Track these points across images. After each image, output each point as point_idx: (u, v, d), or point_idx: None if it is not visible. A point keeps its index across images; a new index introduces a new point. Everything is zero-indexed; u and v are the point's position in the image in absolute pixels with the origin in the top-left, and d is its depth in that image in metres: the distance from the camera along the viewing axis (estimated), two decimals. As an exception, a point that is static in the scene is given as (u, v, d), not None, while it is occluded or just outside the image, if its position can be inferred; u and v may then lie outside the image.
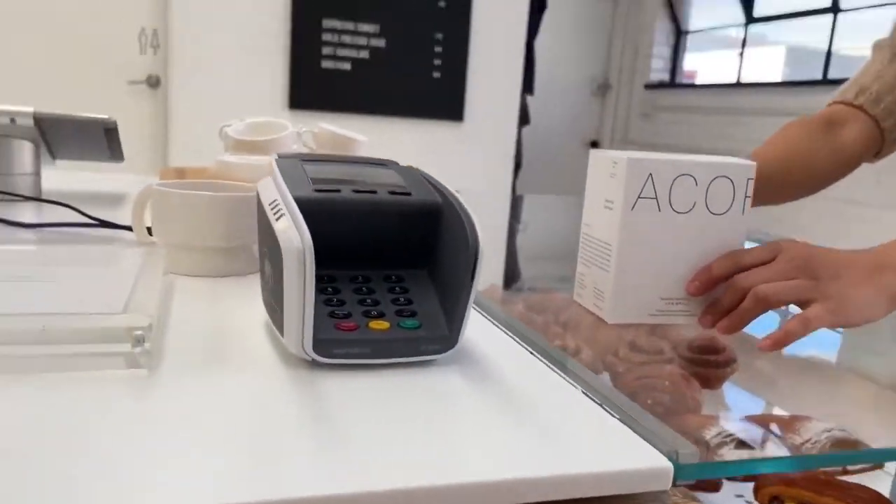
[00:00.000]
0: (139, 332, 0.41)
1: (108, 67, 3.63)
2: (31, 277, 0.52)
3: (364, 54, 3.88)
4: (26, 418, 0.35)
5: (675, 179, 0.58)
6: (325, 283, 0.48)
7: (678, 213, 0.59)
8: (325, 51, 3.82)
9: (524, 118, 4.41)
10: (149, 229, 0.69)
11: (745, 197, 0.60)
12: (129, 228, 0.73)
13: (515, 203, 4.73)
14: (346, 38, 3.84)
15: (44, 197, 0.93)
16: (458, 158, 4.19)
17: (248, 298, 0.58)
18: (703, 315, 0.60)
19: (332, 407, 0.39)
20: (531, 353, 0.51)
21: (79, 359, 0.41)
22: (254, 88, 3.73)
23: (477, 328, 0.55)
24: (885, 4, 3.85)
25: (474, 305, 0.58)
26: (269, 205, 0.45)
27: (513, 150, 4.30)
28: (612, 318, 0.61)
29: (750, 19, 4.76)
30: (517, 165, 4.39)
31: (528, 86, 4.41)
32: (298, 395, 0.40)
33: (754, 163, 0.60)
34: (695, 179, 0.58)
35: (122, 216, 0.87)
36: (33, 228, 0.76)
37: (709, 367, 0.66)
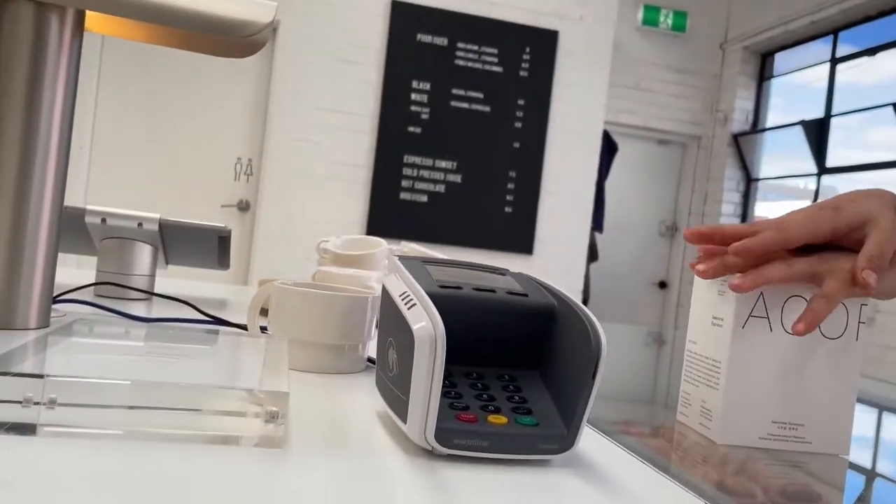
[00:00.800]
0: (274, 409, 0.43)
1: (204, 192, 3.90)
2: (165, 354, 0.55)
3: (440, 188, 4.06)
4: (163, 485, 0.37)
5: (787, 300, 0.58)
6: (444, 377, 0.49)
7: (788, 333, 0.58)
8: (405, 183, 4.01)
9: (593, 254, 4.45)
10: (262, 329, 0.73)
11: (860, 323, 0.59)
12: (243, 327, 0.77)
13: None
14: (425, 173, 4.04)
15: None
16: (526, 291, 4.21)
17: (359, 393, 0.59)
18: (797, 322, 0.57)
19: (453, 498, 0.39)
20: (641, 461, 0.50)
21: (217, 434, 0.43)
22: (334, 215, 3.92)
23: (585, 435, 0.55)
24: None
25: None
26: (400, 296, 0.47)
27: (581, 284, 4.32)
28: (722, 439, 0.59)
29: (822, 170, 4.79)
30: (585, 300, 4.39)
31: (597, 224, 4.49)
32: (419, 483, 0.41)
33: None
34: (807, 301, 0.58)
35: (227, 317, 0.91)
36: (151, 323, 0.80)
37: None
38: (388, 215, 3.99)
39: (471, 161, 4.09)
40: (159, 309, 0.93)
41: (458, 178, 4.08)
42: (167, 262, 1.11)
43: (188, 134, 3.84)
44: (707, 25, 5.34)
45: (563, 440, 0.46)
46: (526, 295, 0.52)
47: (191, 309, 0.88)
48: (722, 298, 0.60)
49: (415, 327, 0.43)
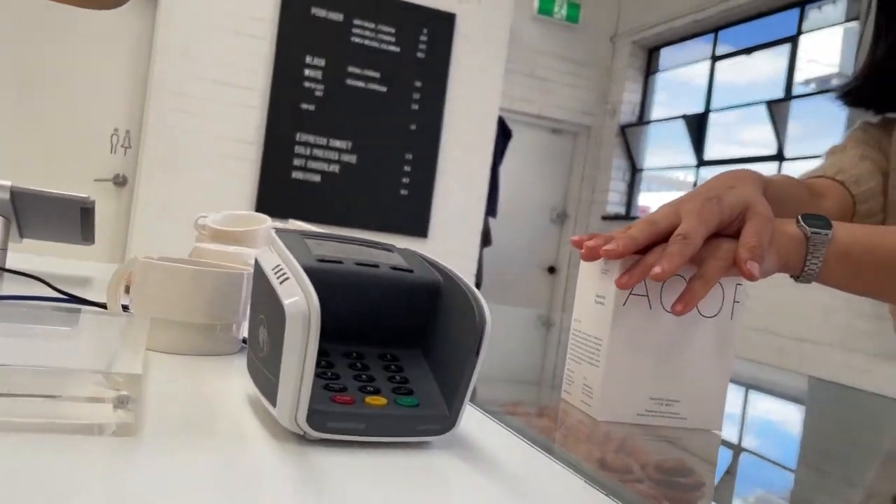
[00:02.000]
0: (124, 393, 0.38)
1: (77, 164, 3.63)
2: (8, 335, 0.49)
3: (335, 168, 3.98)
4: (-4, 474, 0.32)
5: None
6: (319, 356, 0.46)
7: (668, 311, 0.59)
8: (297, 162, 3.90)
9: (486, 239, 4.51)
10: (124, 307, 0.67)
11: (734, 302, 0.61)
12: (103, 306, 0.70)
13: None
14: (318, 152, 3.94)
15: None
16: (420, 274, 4.22)
17: (231, 376, 0.55)
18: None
19: (324, 484, 0.37)
20: (524, 441, 0.49)
21: (55, 419, 0.38)
22: (221, 193, 3.76)
23: (469, 415, 0.53)
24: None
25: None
26: (273, 269, 0.44)
27: (474, 268, 4.36)
28: (602, 415, 0.59)
29: (701, 162, 5.06)
30: (477, 284, 4.44)
31: (491, 209, 4.54)
32: (288, 470, 0.38)
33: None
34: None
35: (90, 296, 0.84)
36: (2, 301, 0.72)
37: (677, 490, 0.63)
38: (279, 195, 3.87)
39: (366, 142, 4.03)
40: (13, 286, 0.84)
41: (352, 159, 4.01)
42: (21, 236, 1.01)
43: (60, 101, 3.56)
44: (599, 18, 5.50)
45: (444, 421, 0.44)
46: (411, 271, 0.49)
47: (46, 287, 0.80)
48: (605, 277, 0.60)
49: (286, 302, 0.40)
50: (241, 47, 3.75)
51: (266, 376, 0.44)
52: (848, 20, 4.10)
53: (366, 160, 4.03)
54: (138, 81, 3.68)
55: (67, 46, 3.56)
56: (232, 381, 0.54)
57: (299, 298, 0.40)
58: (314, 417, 0.41)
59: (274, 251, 0.47)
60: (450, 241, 4.27)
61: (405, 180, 4.13)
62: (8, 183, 0.88)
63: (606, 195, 5.49)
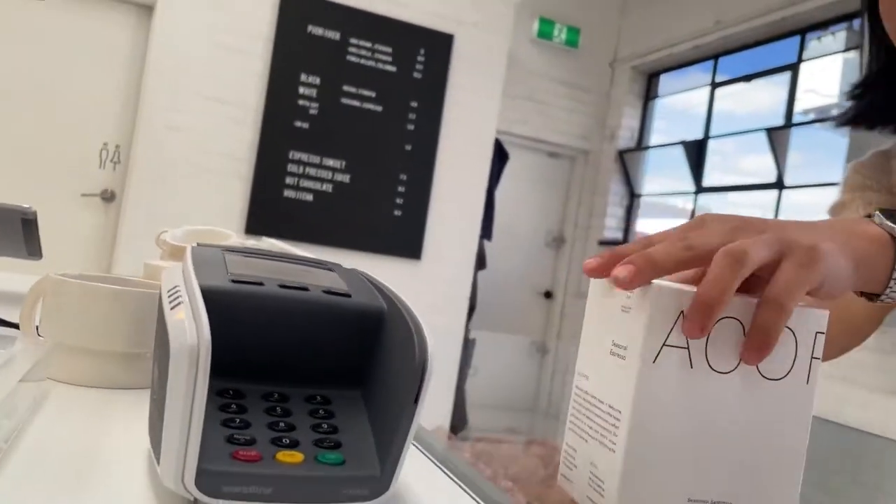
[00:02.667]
0: (-41, 445, 0.30)
1: (64, 178, 3.56)
2: None
3: (328, 187, 3.91)
4: None
5: (715, 323, 0.40)
6: (230, 399, 0.38)
7: (716, 372, 0.40)
8: (289, 181, 3.84)
9: (481, 262, 4.43)
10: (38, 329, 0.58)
11: (812, 358, 0.42)
12: (17, 326, 0.62)
13: (467, 345, 4.64)
14: (311, 171, 3.88)
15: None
16: (413, 297, 4.13)
17: (137, 417, 0.47)
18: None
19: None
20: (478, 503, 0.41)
21: None
22: (210, 211, 3.68)
23: (415, 468, 0.45)
24: (824, 185, 4.09)
25: (415, 443, 0.48)
26: (168, 292, 0.36)
27: (468, 291, 4.28)
28: None
29: (699, 188, 5.00)
30: (472, 307, 4.35)
31: (486, 231, 4.47)
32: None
33: (826, 312, 0.42)
34: (742, 326, 0.40)
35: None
36: None
37: None
38: (270, 213, 3.79)
39: (360, 161, 3.97)
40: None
41: (346, 178, 3.94)
42: (-41, 248, 0.93)
43: (49, 116, 3.49)
44: (598, 43, 5.47)
45: (374, 483, 0.35)
46: (349, 295, 0.41)
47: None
48: (626, 318, 0.41)
49: (171, 332, 0.32)
50: (235, 64, 3.70)
51: (156, 424, 0.36)
52: (847, 49, 4.07)
53: (359, 180, 3.96)
54: (130, 96, 3.62)
55: (58, 58, 3.51)
56: (139, 423, 0.46)
57: (187, 327, 0.32)
58: (206, 479, 0.32)
59: (180, 270, 0.39)
60: (444, 264, 4.19)
61: (399, 201, 4.06)
62: (-62, 190, 0.80)
63: (604, 220, 5.42)
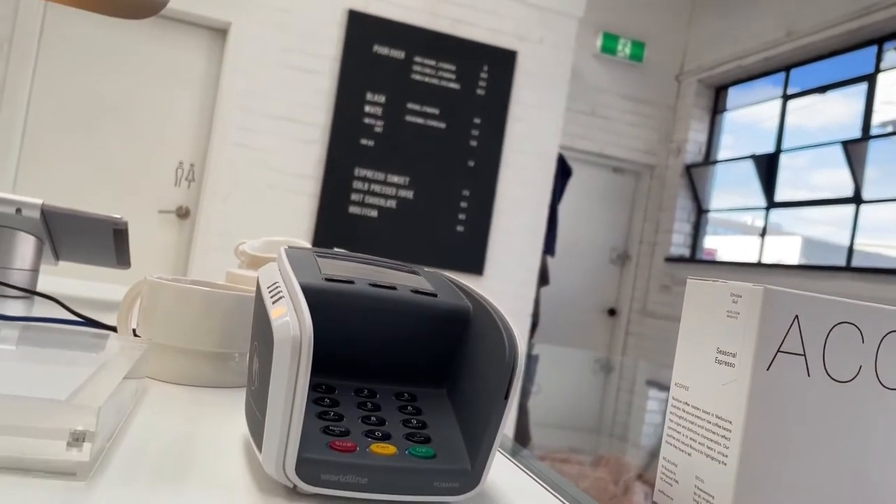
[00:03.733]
0: (79, 429, 0.32)
1: (142, 196, 3.72)
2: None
3: (392, 203, 3.97)
4: None
5: (833, 327, 0.39)
6: (322, 393, 0.39)
7: (836, 381, 0.39)
8: (355, 197, 3.91)
9: (544, 278, 4.40)
10: (134, 331, 0.61)
11: None
12: (114, 329, 0.65)
13: (530, 362, 4.60)
14: (376, 187, 3.94)
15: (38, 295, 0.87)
16: (475, 312, 4.15)
17: (234, 412, 0.49)
18: None
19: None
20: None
21: (4, 455, 0.32)
22: (280, 226, 3.78)
23: (497, 467, 0.45)
24: (907, 198, 3.91)
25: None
26: (268, 288, 0.37)
27: (531, 308, 4.25)
28: None
29: (771, 204, 4.85)
30: (534, 324, 4.32)
31: (549, 247, 4.44)
32: (269, 530, 0.31)
33: None
34: (861, 333, 0.39)
35: (115, 320, 0.80)
36: (9, 321, 0.68)
37: None
38: (336, 229, 3.87)
39: (424, 177, 4.01)
40: (41, 310, 0.81)
41: (410, 195, 3.99)
42: (57, 258, 0.98)
43: (128, 135, 3.67)
44: (664, 57, 5.40)
45: (465, 477, 0.36)
46: (435, 295, 0.42)
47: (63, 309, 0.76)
48: (734, 323, 0.39)
49: (275, 325, 0.33)
50: (303, 83, 3.81)
51: (255, 415, 0.37)
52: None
53: (423, 196, 4.01)
54: (204, 116, 3.76)
55: (137, 81, 3.68)
56: (234, 418, 0.48)
57: (290, 320, 0.33)
58: (306, 467, 0.33)
59: (277, 269, 0.41)
60: (506, 280, 4.18)
61: (462, 217, 4.08)
62: (39, 201, 0.86)
63: (670, 237, 5.31)
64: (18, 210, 0.85)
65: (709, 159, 5.38)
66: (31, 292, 0.79)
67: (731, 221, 5.43)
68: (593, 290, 5.44)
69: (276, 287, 0.37)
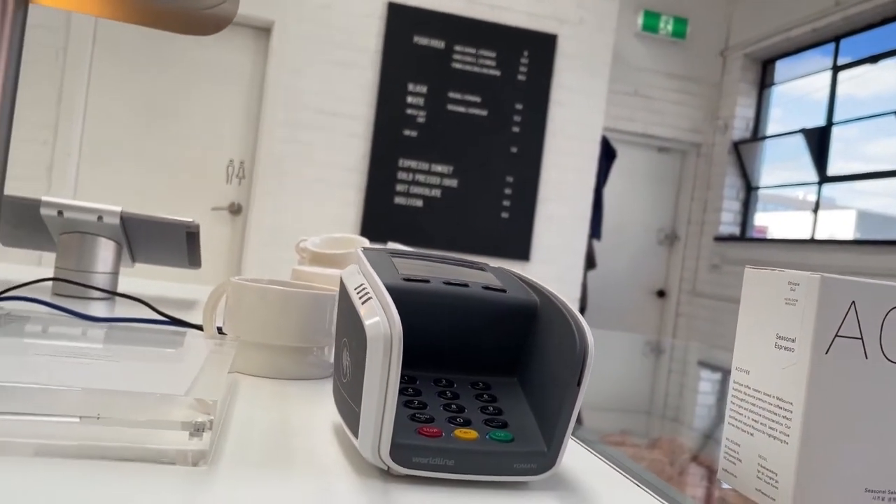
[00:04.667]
0: (200, 420, 0.36)
1: (196, 194, 3.83)
2: (88, 355, 0.49)
3: (436, 193, 4.00)
4: (62, 504, 0.30)
5: (888, 312, 0.41)
6: (406, 383, 0.43)
7: (893, 362, 0.41)
8: (399, 188, 3.95)
9: (591, 262, 4.39)
10: (220, 329, 0.66)
11: None
12: (200, 328, 0.70)
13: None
14: (420, 177, 3.98)
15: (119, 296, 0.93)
16: (522, 298, 4.16)
17: (318, 402, 0.53)
18: None
19: (411, 525, 0.33)
20: (637, 483, 0.43)
21: (130, 446, 0.37)
22: (328, 219, 3.85)
23: (571, 451, 0.48)
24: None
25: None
26: (356, 289, 0.41)
27: (578, 292, 4.25)
28: None
29: (823, 179, 4.73)
30: (582, 308, 4.32)
31: (595, 231, 4.42)
32: (370, 508, 0.34)
33: None
34: None
35: (194, 318, 0.85)
36: (102, 323, 0.74)
37: None
38: (382, 220, 3.93)
39: (467, 166, 4.03)
40: (122, 310, 0.86)
41: (454, 183, 4.02)
42: (133, 260, 1.04)
43: (180, 135, 3.78)
44: (707, 32, 5.29)
45: (542, 459, 0.39)
46: (504, 290, 0.45)
47: (149, 309, 0.81)
48: (792, 310, 0.41)
49: (367, 323, 0.37)
50: (346, 78, 3.86)
51: (349, 404, 0.41)
52: None
53: (467, 184, 4.03)
54: (252, 114, 3.85)
55: (186, 82, 3.79)
56: (318, 407, 0.52)
57: (381, 319, 0.37)
58: (398, 452, 0.37)
59: (359, 270, 0.45)
60: (553, 265, 4.18)
61: (506, 203, 4.10)
62: (118, 209, 0.91)
63: (719, 215, 5.23)
64: (100, 217, 0.91)
65: (757, 135, 5.27)
66: (119, 294, 0.85)
67: (782, 197, 5.31)
68: (641, 272, 5.39)
69: (363, 288, 0.40)
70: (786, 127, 5.13)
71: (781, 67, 5.22)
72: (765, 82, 5.30)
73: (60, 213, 0.89)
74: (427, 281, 0.44)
